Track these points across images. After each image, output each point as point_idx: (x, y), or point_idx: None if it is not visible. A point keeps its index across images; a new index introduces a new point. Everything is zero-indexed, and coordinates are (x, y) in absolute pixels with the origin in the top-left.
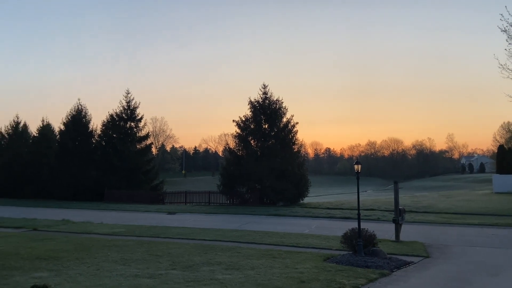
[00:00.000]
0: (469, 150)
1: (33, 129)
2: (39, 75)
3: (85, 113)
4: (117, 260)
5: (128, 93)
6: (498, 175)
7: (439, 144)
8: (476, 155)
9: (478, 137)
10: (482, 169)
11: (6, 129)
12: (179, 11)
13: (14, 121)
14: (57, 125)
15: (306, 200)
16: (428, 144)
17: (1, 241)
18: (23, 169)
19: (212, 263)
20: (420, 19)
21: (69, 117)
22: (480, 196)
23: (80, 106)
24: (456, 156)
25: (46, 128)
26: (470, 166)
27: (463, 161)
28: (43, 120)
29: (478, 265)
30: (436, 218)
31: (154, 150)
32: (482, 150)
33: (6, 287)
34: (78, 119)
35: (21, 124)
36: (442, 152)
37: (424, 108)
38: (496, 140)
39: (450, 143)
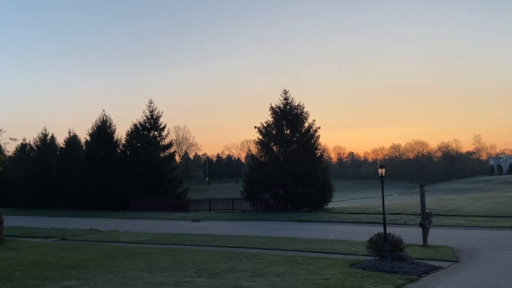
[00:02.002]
0: (498, 150)
1: (60, 140)
2: (64, 87)
3: (110, 123)
4: (143, 268)
5: (151, 103)
6: None
7: (466, 145)
8: (504, 155)
9: (507, 137)
10: (511, 170)
11: (35, 141)
12: (199, 20)
13: (42, 133)
14: (83, 136)
15: (330, 205)
16: (454, 146)
17: (32, 250)
18: (52, 180)
19: (237, 270)
20: (444, 16)
21: (95, 128)
22: (510, 198)
23: (104, 117)
24: (484, 157)
25: (72, 139)
26: (499, 167)
27: (491, 162)
28: (69, 132)
29: (510, 270)
30: (464, 221)
31: (177, 158)
32: (511, 150)
33: None
34: (103, 129)
35: (49, 136)
36: (469, 153)
37: (450, 109)
38: None
39: (477, 144)
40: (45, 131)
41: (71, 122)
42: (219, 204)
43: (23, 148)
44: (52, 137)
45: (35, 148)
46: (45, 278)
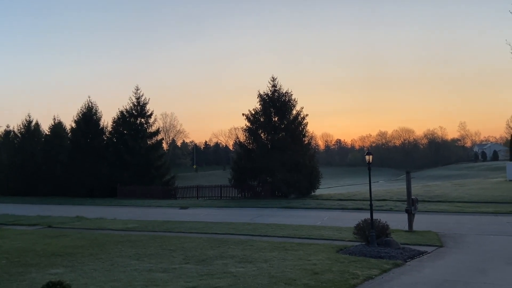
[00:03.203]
0: (482, 138)
1: (45, 127)
2: (48, 73)
3: (96, 110)
4: (131, 255)
5: (137, 89)
6: (511, 162)
7: (451, 132)
8: (489, 143)
9: (491, 124)
10: (495, 157)
11: (19, 128)
12: (187, 6)
13: (26, 120)
14: (68, 123)
15: (318, 192)
16: (440, 133)
17: (18, 238)
18: (37, 168)
19: (225, 257)
20: (429, 6)
21: (80, 115)
22: (493, 184)
23: (90, 104)
24: (468, 144)
25: (57, 126)
26: (483, 154)
27: (475, 149)
28: (54, 118)
29: (493, 254)
30: (449, 207)
31: (165, 145)
32: (495, 137)
33: (23, 284)
34: (89, 116)
35: (33, 123)
36: (454, 140)
37: (436, 97)
38: (510, 127)
39: (462, 132)
40: (29, 117)
41: (55, 109)
42: (207, 192)
43: (7, 135)
44: (37, 124)
45: (19, 135)
46: (31, 265)
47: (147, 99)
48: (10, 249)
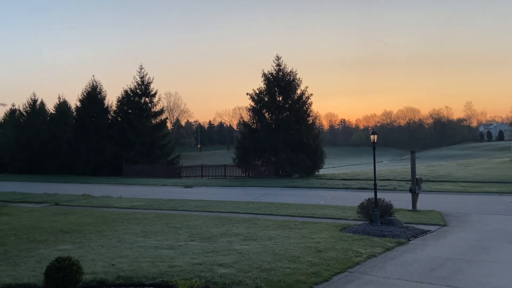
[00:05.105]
0: (488, 117)
1: (50, 106)
2: (53, 52)
3: (100, 89)
4: (137, 232)
5: (141, 68)
6: None
7: (457, 112)
8: (494, 122)
9: (497, 104)
10: (500, 137)
11: (24, 107)
12: None
13: (31, 98)
14: (73, 102)
15: (322, 171)
16: (445, 113)
17: (25, 215)
18: (42, 146)
19: (229, 235)
20: None
21: (85, 94)
22: (498, 164)
23: (95, 83)
24: (474, 124)
25: (62, 105)
26: (489, 134)
27: (481, 129)
28: (59, 97)
29: (496, 233)
30: (453, 187)
31: (169, 125)
32: (501, 117)
33: (32, 260)
34: (93, 95)
35: (38, 102)
36: (460, 120)
37: (442, 76)
38: None
39: (468, 111)
40: (34, 96)
41: (60, 88)
42: (211, 171)
43: (13, 113)
44: (42, 102)
45: (25, 114)
46: (39, 242)
47: (151, 78)
48: (18, 226)
